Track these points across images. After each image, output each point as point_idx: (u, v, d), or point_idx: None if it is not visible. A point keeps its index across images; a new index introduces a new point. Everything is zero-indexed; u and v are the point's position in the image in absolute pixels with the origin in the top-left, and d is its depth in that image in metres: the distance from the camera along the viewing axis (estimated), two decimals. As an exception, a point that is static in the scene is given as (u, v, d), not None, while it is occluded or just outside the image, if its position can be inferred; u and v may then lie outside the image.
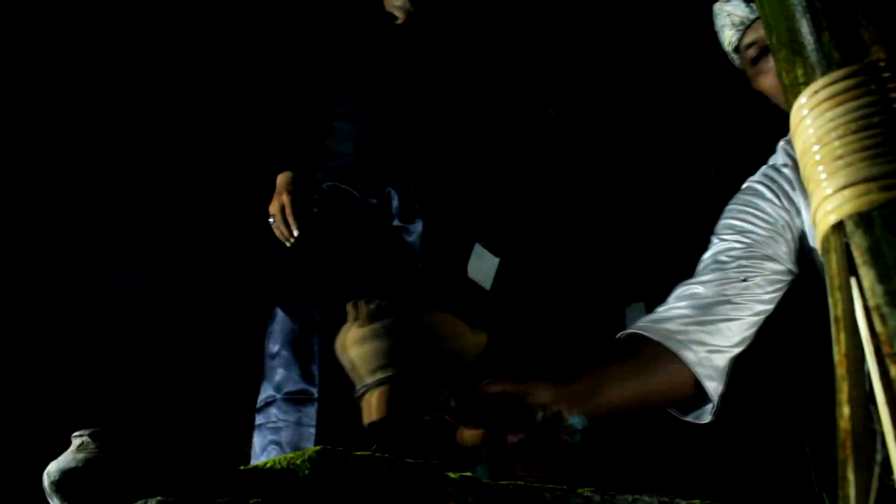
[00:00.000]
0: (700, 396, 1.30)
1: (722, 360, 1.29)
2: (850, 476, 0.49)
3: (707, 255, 1.42)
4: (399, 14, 2.51)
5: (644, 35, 3.16)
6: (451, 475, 0.89)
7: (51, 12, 2.51)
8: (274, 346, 2.06)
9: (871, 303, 0.50)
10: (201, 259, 2.74)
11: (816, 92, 0.54)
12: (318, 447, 0.87)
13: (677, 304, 1.32)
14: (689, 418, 1.36)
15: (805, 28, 0.55)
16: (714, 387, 1.28)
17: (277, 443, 1.91)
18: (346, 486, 0.79)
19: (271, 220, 2.28)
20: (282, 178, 2.31)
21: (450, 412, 1.01)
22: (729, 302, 1.30)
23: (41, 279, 2.45)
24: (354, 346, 1.06)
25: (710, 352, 1.26)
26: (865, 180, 0.50)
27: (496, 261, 2.80)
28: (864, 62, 0.52)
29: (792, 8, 0.56)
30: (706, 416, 1.33)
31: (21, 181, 2.50)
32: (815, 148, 0.53)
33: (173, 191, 2.77)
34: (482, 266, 2.68)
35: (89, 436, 0.84)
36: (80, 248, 2.56)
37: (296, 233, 2.25)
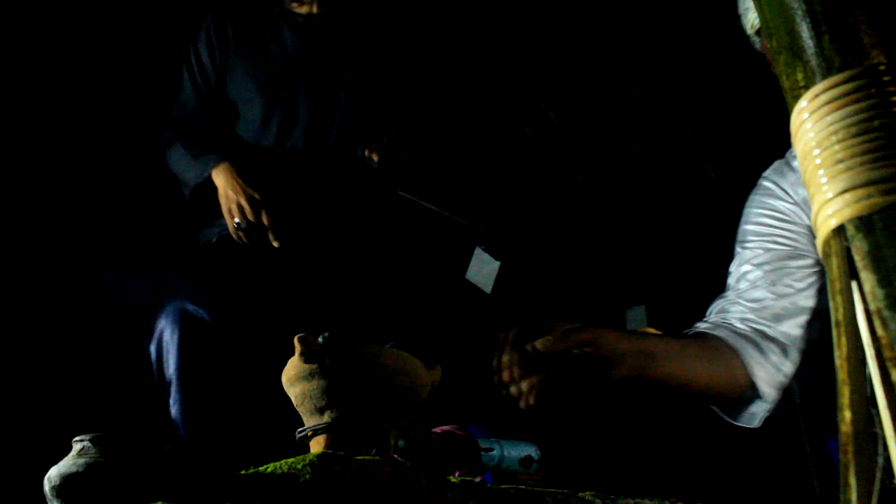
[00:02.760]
0: (747, 401, 1.30)
1: (784, 367, 1.28)
2: (852, 480, 0.49)
3: (737, 265, 1.41)
4: (301, 8, 1.96)
5: (645, 37, 3.17)
6: (452, 479, 0.89)
7: (50, 15, 2.52)
8: (169, 367, 1.69)
9: (872, 306, 0.50)
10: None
11: (817, 96, 0.54)
12: (319, 451, 0.86)
13: (736, 308, 1.31)
14: (741, 422, 1.35)
15: (805, 32, 0.55)
16: (770, 393, 1.27)
17: None
18: (348, 490, 0.79)
19: (238, 222, 1.82)
20: (227, 172, 1.86)
21: (398, 452, 1.00)
22: (779, 307, 1.29)
23: (43, 283, 2.46)
24: (300, 381, 1.02)
25: (774, 356, 1.26)
26: (866, 184, 0.50)
27: (497, 264, 2.79)
28: (864, 66, 0.53)
29: (792, 12, 0.56)
30: (756, 420, 1.33)
31: (28, 183, 2.50)
32: (816, 152, 0.53)
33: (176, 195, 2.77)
34: (483, 270, 2.66)
35: (90, 440, 0.84)
36: (80, 252, 2.56)
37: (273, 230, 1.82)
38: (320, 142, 1.92)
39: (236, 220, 1.83)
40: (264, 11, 1.97)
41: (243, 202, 1.82)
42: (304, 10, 1.94)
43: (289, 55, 1.92)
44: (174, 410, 1.67)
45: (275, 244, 1.84)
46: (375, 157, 1.85)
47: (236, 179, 1.85)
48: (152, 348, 1.73)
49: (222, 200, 1.86)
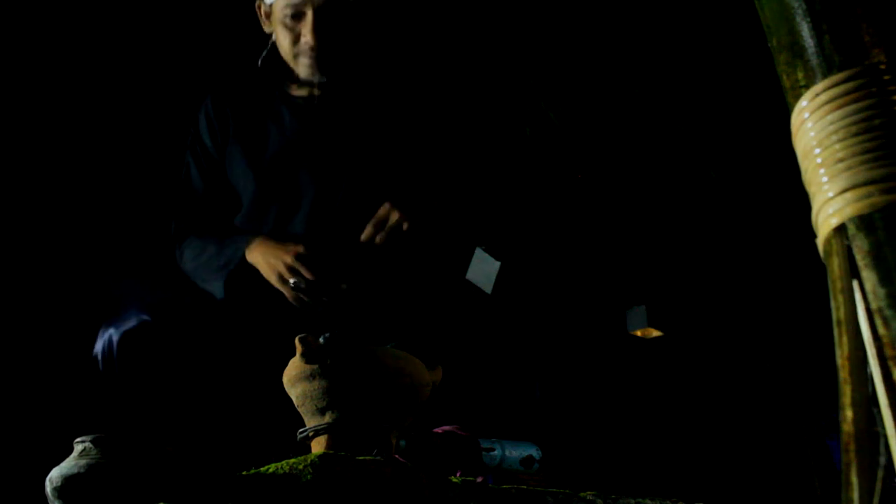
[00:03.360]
0: None
1: None
2: (854, 479, 0.49)
3: None
4: (301, 91, 1.87)
5: (645, 38, 3.17)
6: (454, 479, 0.89)
7: (51, 19, 2.52)
8: (114, 366, 1.60)
9: (874, 306, 0.50)
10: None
11: (817, 95, 0.54)
12: (320, 452, 0.86)
13: None
14: None
15: (806, 31, 0.55)
16: None
17: None
18: (349, 490, 0.79)
19: (295, 282, 1.64)
20: (260, 242, 1.73)
21: (399, 452, 1.01)
22: None
23: (45, 284, 2.46)
24: (301, 382, 1.02)
25: None
26: (867, 183, 0.50)
27: (497, 264, 2.79)
28: (864, 65, 0.52)
29: (792, 11, 0.56)
30: None
31: (30, 186, 2.50)
32: (817, 151, 0.53)
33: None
34: (483, 270, 2.66)
35: (91, 441, 0.84)
36: (82, 253, 2.56)
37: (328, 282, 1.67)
38: (321, 225, 1.81)
39: (293, 282, 1.64)
40: (264, 94, 1.90)
41: (291, 261, 1.65)
42: (303, 92, 1.87)
43: (289, 138, 1.84)
44: (122, 408, 1.62)
45: (343, 287, 1.68)
46: (369, 234, 1.74)
47: (273, 243, 1.69)
48: (98, 349, 1.65)
49: (268, 270, 1.69)
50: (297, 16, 1.77)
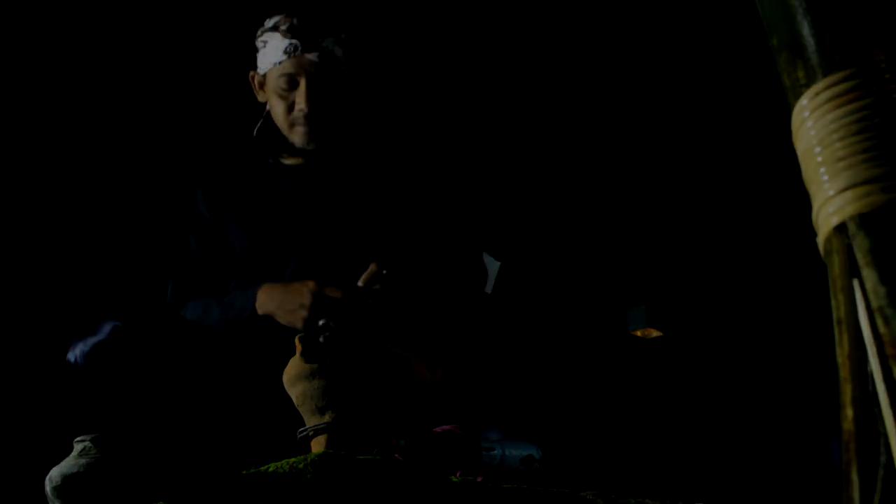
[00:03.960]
0: None
1: None
2: (855, 478, 0.49)
3: None
4: (293, 159, 1.86)
5: (646, 37, 3.17)
6: (454, 479, 0.89)
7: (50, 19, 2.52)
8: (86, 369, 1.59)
9: (874, 304, 0.50)
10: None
11: (818, 94, 0.54)
12: (320, 451, 0.87)
13: None
14: None
15: (806, 30, 0.55)
16: None
17: None
18: (349, 490, 0.79)
19: (324, 324, 1.33)
20: (267, 290, 1.65)
21: (398, 451, 1.01)
22: None
23: (44, 284, 2.46)
24: (300, 381, 1.02)
25: None
26: (867, 182, 0.50)
27: (497, 264, 2.79)
28: (865, 64, 0.53)
29: (793, 9, 0.56)
30: None
31: (31, 186, 2.51)
32: (817, 149, 0.53)
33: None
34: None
35: (91, 441, 0.84)
36: (83, 251, 2.56)
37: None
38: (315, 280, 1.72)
39: (324, 329, 1.57)
40: (258, 164, 1.91)
41: (311, 301, 1.54)
42: (297, 161, 1.88)
43: (284, 201, 1.83)
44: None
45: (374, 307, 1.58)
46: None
47: (282, 288, 1.61)
48: (71, 356, 1.64)
49: (289, 320, 1.59)
50: (291, 84, 1.77)
